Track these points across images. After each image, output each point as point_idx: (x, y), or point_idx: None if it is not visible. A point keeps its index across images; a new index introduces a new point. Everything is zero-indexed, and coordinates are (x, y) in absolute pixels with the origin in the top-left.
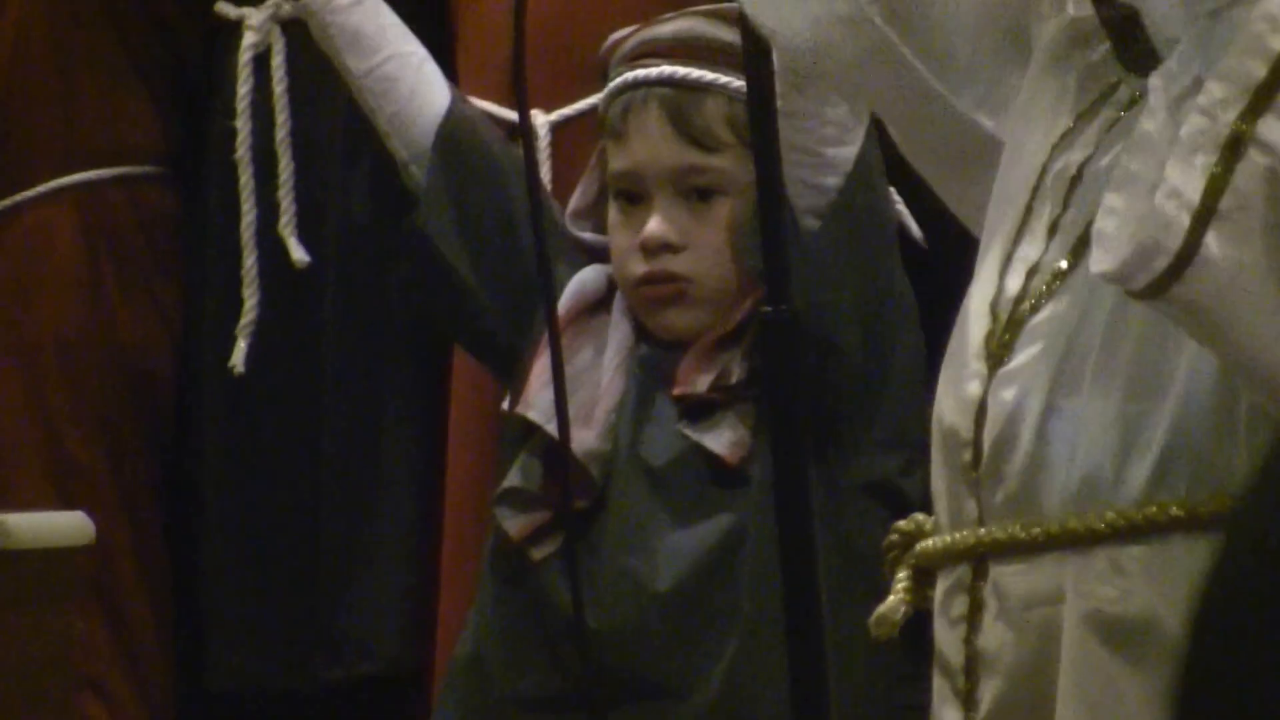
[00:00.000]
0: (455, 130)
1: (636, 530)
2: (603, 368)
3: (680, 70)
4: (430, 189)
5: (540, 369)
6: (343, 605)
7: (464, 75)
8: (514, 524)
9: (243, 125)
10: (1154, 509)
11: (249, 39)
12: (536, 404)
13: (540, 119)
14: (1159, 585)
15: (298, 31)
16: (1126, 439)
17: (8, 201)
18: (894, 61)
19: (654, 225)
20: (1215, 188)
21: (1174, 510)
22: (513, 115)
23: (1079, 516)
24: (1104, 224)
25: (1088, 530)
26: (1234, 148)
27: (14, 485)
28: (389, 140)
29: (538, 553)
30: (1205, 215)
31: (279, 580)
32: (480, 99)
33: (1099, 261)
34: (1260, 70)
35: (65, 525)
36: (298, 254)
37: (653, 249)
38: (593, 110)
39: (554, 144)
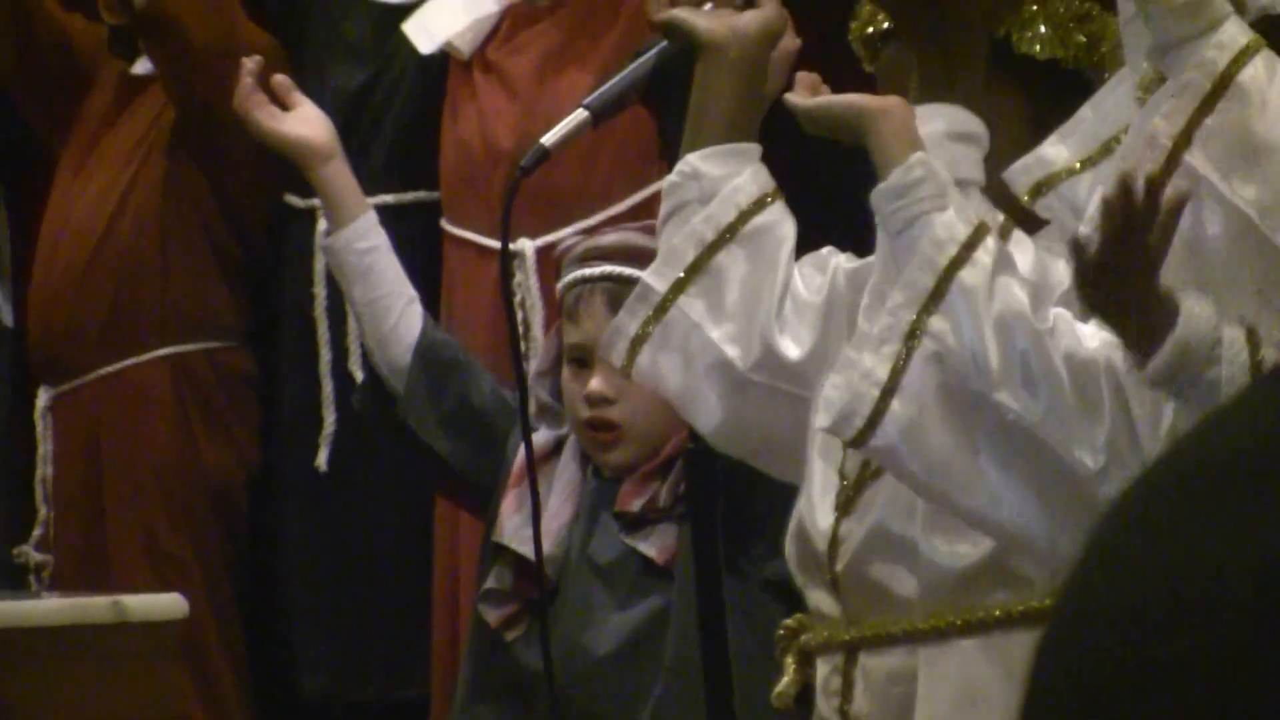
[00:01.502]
0: (430, 345)
1: (586, 612)
2: (554, 497)
3: (618, 269)
4: (411, 389)
5: (508, 503)
6: (397, 644)
7: (449, 207)
8: (492, 615)
9: (319, 289)
10: (981, 611)
11: (324, 224)
12: (507, 530)
13: (528, 245)
14: (987, 664)
15: None
16: (961, 558)
17: (118, 365)
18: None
19: (595, 384)
20: (897, 368)
21: (996, 612)
22: (494, 243)
23: (925, 618)
24: (829, 393)
25: (933, 628)
26: (911, 338)
27: (125, 574)
28: (371, 354)
29: (510, 635)
30: (891, 389)
31: (349, 621)
32: (460, 229)
33: (821, 420)
34: (929, 281)
35: (167, 603)
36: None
37: (595, 401)
38: (572, 236)
39: (540, 265)
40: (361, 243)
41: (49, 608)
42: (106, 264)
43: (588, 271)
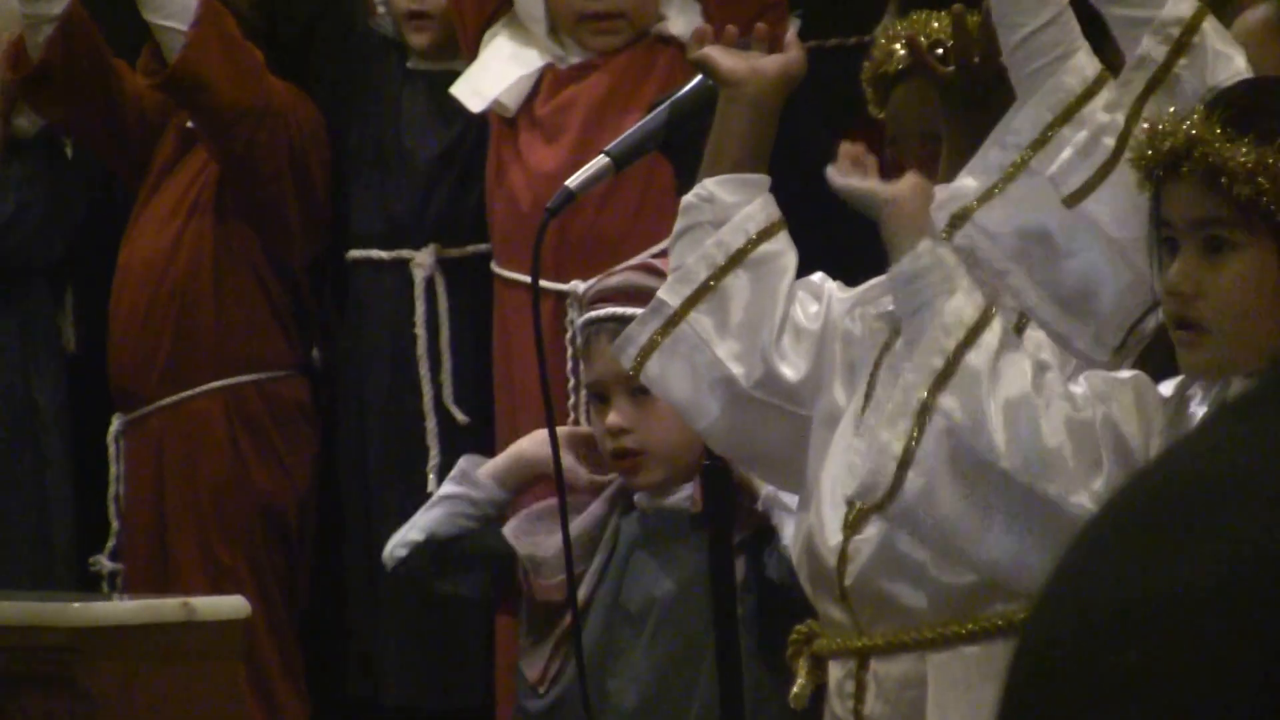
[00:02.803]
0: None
1: (613, 657)
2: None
3: (620, 310)
4: (412, 566)
5: (514, 520)
6: (461, 654)
7: (500, 253)
8: (532, 671)
9: (420, 331)
10: (984, 621)
11: (420, 273)
12: (507, 532)
13: (581, 286)
14: (986, 669)
15: (453, 265)
16: (965, 576)
17: (178, 396)
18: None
19: (612, 418)
20: (910, 443)
21: (999, 621)
22: (543, 282)
23: (932, 627)
24: (854, 461)
25: (940, 636)
26: (922, 414)
27: (185, 583)
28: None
29: (543, 688)
30: (906, 461)
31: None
32: (513, 272)
33: (846, 486)
34: (939, 363)
35: (231, 605)
36: (460, 417)
37: (614, 434)
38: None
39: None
40: (478, 504)
41: (125, 608)
42: (164, 304)
43: (594, 314)
